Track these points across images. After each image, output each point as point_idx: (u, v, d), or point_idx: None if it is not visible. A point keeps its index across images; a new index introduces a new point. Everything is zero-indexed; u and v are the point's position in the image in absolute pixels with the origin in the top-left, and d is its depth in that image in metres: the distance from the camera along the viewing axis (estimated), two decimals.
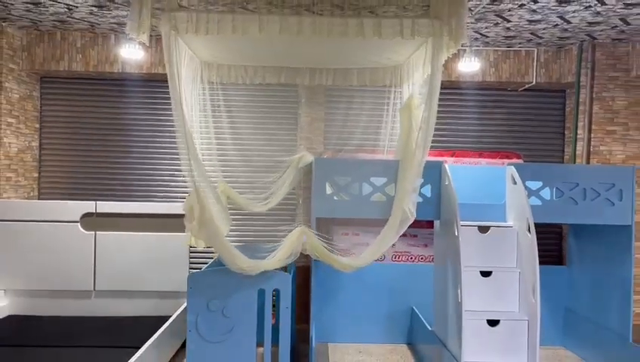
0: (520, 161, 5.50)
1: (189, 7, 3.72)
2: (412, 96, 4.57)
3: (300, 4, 3.86)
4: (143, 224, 5.16)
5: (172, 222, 5.14)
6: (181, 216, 5.20)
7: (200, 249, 4.62)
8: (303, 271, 5.29)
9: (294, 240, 3.87)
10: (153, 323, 4.57)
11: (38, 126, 5.91)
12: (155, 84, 5.86)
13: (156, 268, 5.10)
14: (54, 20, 5.18)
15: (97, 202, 5.19)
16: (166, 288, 5.12)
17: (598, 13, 4.59)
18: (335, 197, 4.32)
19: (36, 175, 5.90)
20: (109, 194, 5.85)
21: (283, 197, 5.16)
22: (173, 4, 3.54)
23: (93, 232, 5.12)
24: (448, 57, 4.01)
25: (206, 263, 5.25)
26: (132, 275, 5.09)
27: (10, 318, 4.96)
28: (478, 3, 4.40)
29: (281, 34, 3.37)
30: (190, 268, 5.24)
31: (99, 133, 5.94)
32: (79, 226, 5.12)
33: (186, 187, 5.92)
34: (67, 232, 5.10)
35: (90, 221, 5.13)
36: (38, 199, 5.85)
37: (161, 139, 5.92)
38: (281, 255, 3.80)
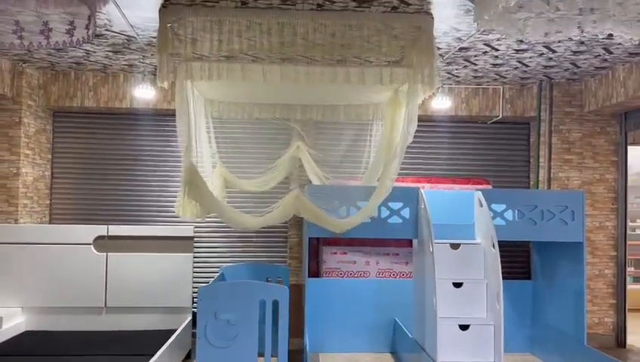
0: (489, 186, 6.16)
1: (202, 57, 4.33)
2: (398, 91, 5.03)
3: (294, 50, 4.48)
4: (150, 245, 5.67)
5: (177, 244, 5.67)
6: (185, 238, 5.78)
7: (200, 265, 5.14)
8: (296, 289, 5.82)
9: (288, 203, 4.52)
10: (161, 335, 5.05)
11: (50, 157, 6.43)
12: (161, 118, 6.43)
13: (163, 285, 5.59)
14: (71, 62, 5.76)
15: (109, 226, 5.70)
16: (172, 304, 5.61)
17: (551, 58, 5.32)
18: None
19: (48, 202, 6.39)
20: (119, 218, 6.35)
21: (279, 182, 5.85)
22: (188, 54, 4.16)
23: (105, 253, 5.61)
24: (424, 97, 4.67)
25: (208, 281, 5.78)
26: (141, 292, 5.58)
27: (27, 333, 5.40)
28: (448, 50, 5.09)
29: (281, 81, 4.01)
30: (194, 285, 5.73)
31: (108, 163, 6.48)
32: (92, 248, 5.61)
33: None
34: (81, 254, 5.58)
35: (103, 243, 5.63)
36: (49, 224, 6.33)
37: (166, 167, 6.47)
38: (276, 214, 4.54)
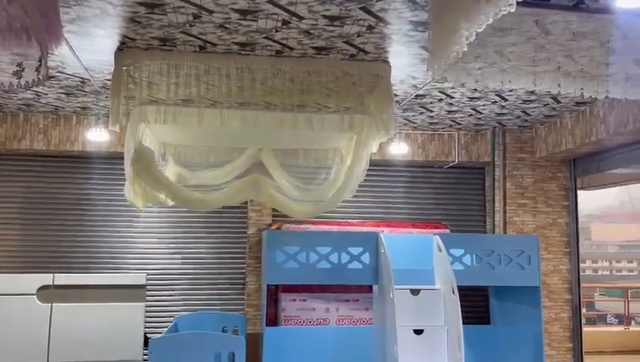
0: (447, 230, 6.20)
1: (158, 100, 4.25)
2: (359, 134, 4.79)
3: (253, 95, 4.46)
4: (99, 295, 5.40)
5: (128, 293, 5.42)
6: (137, 286, 5.52)
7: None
8: (253, 338, 5.62)
9: (247, 184, 4.49)
10: None
11: None
12: (113, 161, 6.22)
13: (112, 337, 5.30)
14: (20, 104, 5.57)
15: (55, 274, 5.39)
16: (121, 357, 5.30)
17: (503, 106, 5.50)
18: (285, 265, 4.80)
19: None
20: (67, 267, 6.01)
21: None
22: (144, 97, 4.07)
23: (50, 304, 5.29)
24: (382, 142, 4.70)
25: (160, 332, 5.51)
26: (88, 345, 5.26)
27: None
28: (405, 97, 5.20)
29: (240, 126, 3.96)
30: (146, 336, 5.45)
31: (56, 208, 6.20)
32: (35, 298, 5.28)
33: (140, 259, 6.26)
34: (22, 305, 5.24)
35: (47, 293, 5.31)
36: None
37: (117, 214, 6.23)
38: (234, 193, 4.43)
